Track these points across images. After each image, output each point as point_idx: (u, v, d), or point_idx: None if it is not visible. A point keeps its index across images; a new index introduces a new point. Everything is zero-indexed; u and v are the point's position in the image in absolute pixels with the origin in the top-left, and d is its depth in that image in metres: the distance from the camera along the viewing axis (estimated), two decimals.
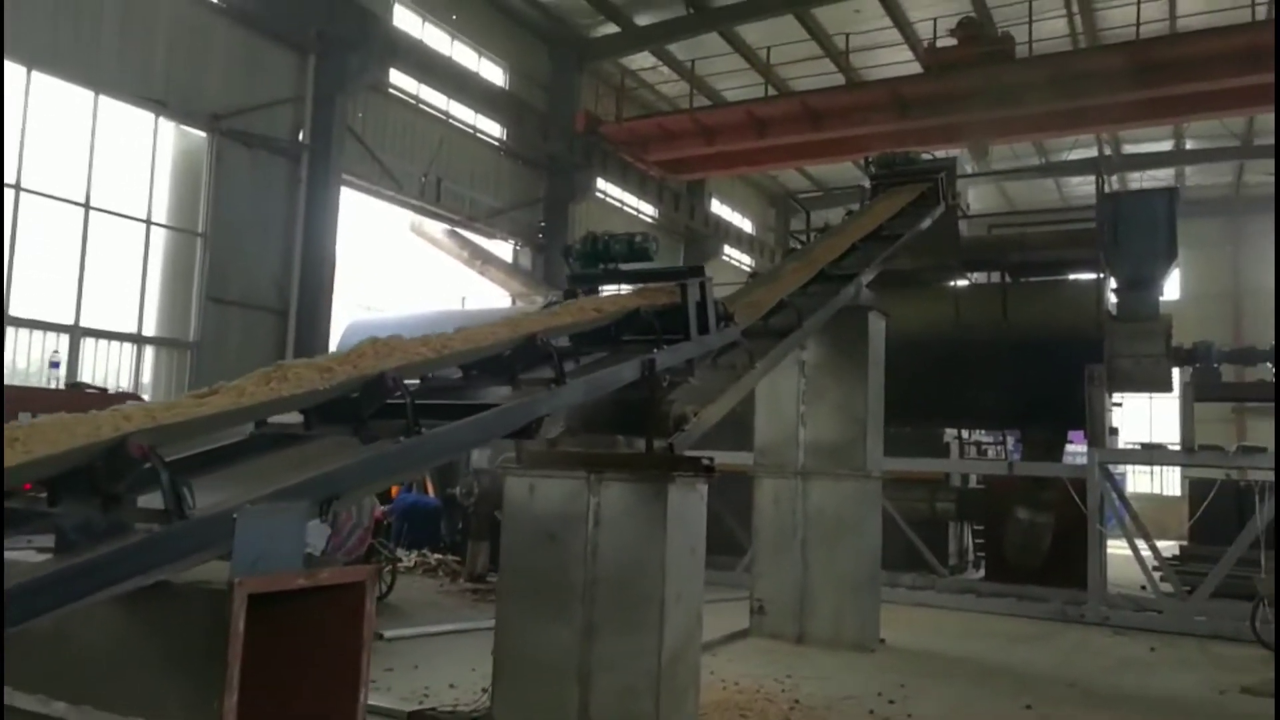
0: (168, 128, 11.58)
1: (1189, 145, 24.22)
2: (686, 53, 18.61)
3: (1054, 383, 11.33)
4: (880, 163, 11.60)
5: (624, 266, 5.86)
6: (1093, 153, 22.09)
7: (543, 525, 5.28)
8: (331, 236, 12.70)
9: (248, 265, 12.02)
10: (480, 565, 11.48)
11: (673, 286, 5.61)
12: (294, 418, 3.73)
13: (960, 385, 12.00)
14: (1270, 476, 11.01)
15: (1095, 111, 15.34)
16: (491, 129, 17.08)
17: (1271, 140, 23.22)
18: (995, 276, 12.67)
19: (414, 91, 15.17)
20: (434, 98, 15.49)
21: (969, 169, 22.24)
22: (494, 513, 11.64)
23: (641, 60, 19.49)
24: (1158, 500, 24.13)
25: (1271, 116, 21.25)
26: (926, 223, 10.48)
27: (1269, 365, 11.39)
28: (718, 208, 24.75)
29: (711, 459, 5.38)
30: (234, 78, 11.87)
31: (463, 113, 16.20)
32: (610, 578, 5.09)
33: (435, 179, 15.43)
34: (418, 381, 4.53)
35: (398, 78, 14.84)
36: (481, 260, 17.12)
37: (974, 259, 12.38)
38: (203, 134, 11.55)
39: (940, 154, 12.75)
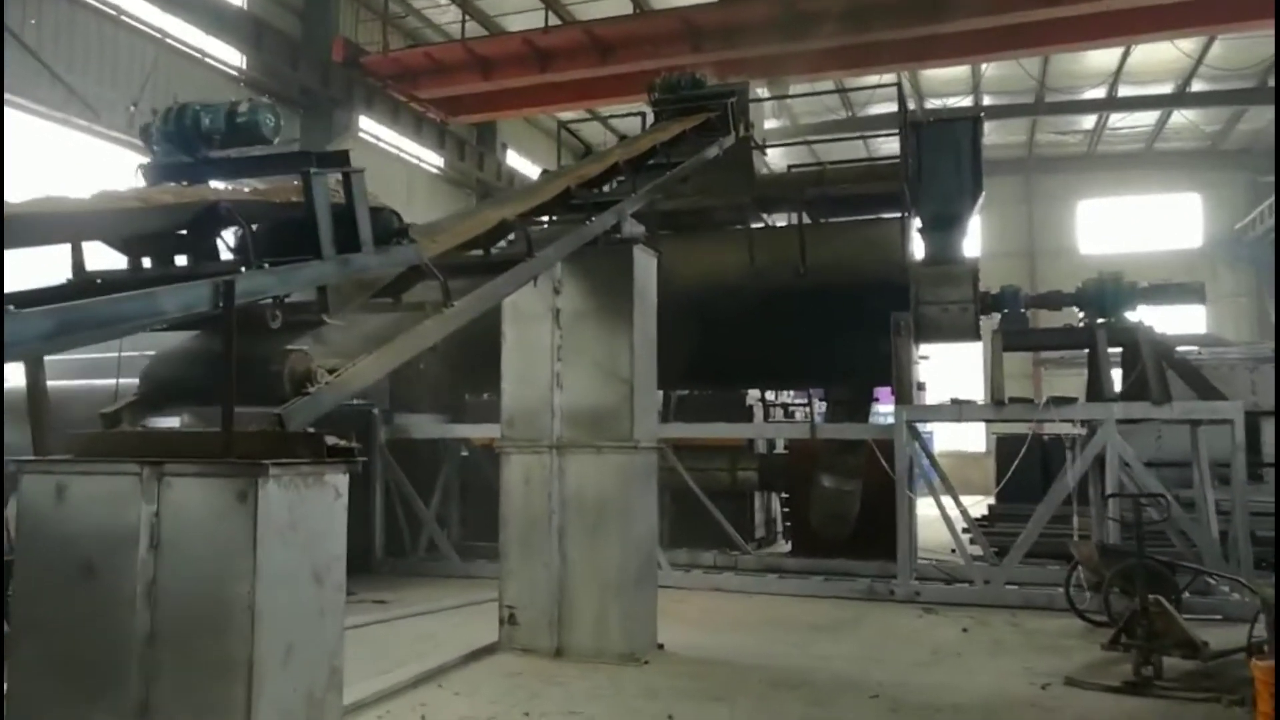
0: None
1: (986, 100, 24.11)
2: None
3: (858, 335, 10.15)
4: (664, 87, 10.03)
5: (232, 154, 3.95)
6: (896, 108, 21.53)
7: (76, 550, 3.35)
8: None
9: None
10: None
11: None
12: None
13: (757, 340, 10.65)
14: (1081, 431, 10.32)
15: (892, 47, 14.37)
16: (228, 56, 14.46)
17: (1064, 96, 23.45)
18: (797, 219, 11.37)
19: (114, 0, 12.44)
20: (143, 10, 12.78)
21: (767, 124, 21.23)
22: None
23: None
24: (961, 457, 24.15)
25: (1060, 64, 21.40)
26: (713, 152, 8.97)
27: (1075, 310, 10.59)
28: (515, 160, 22.77)
29: (350, 438, 3.58)
30: None
31: (187, 32, 13.54)
32: (178, 630, 3.22)
33: (149, 110, 12.73)
34: None
35: None
36: None
37: (769, 196, 11.03)
38: None
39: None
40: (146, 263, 3.78)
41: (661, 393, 12.58)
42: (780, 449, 13.14)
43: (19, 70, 10.93)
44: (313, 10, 15.62)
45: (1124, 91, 22.88)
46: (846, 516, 10.86)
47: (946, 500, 9.75)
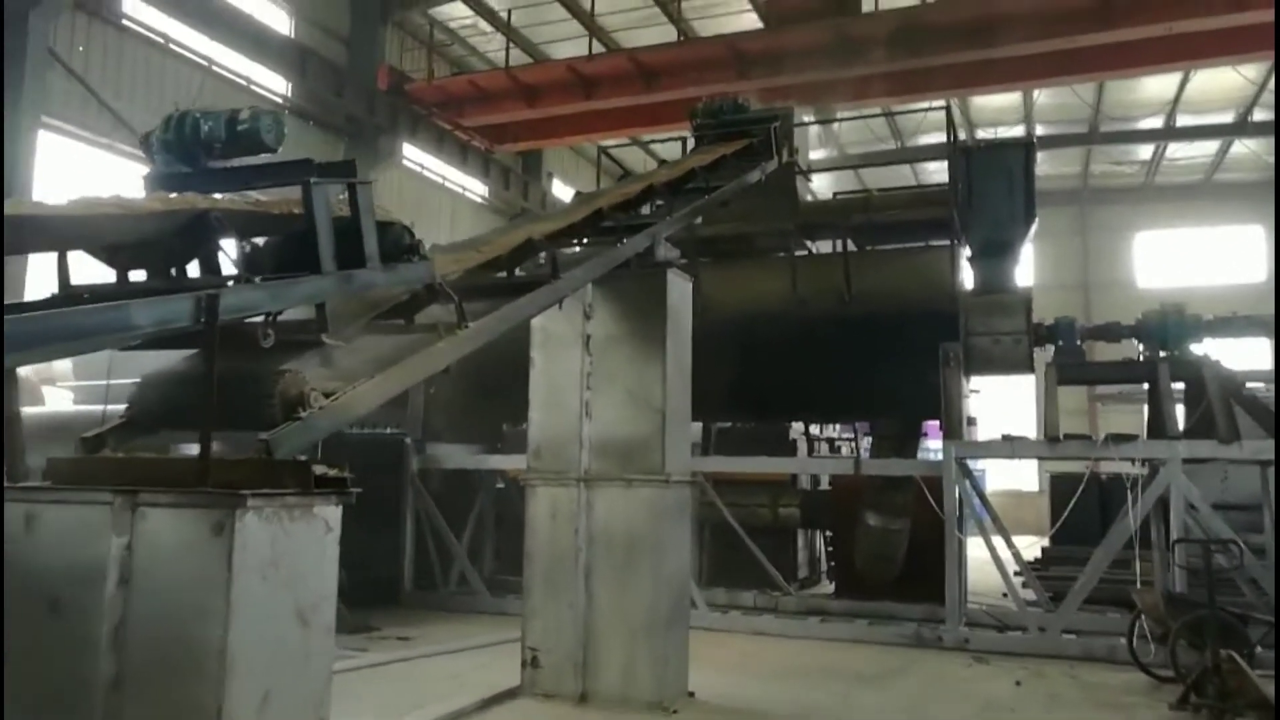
0: None
1: (1039, 131, 23.57)
2: (505, 3, 16.48)
3: (905, 366, 9.74)
4: (705, 112, 9.80)
5: (235, 164, 3.74)
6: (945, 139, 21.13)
7: (43, 584, 3.09)
8: (24, 194, 10.04)
9: None
10: None
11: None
12: None
13: (800, 372, 10.28)
14: (1142, 470, 9.76)
15: (943, 73, 14.00)
16: (273, 83, 14.55)
17: (1121, 125, 22.83)
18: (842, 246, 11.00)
19: (162, 28, 12.55)
20: (190, 38, 12.90)
21: (814, 154, 20.94)
22: None
23: (456, 11, 17.21)
24: (1014, 496, 23.36)
25: (1116, 93, 20.81)
26: (754, 176, 8.69)
27: (1135, 342, 10.08)
28: (560, 189, 22.69)
29: (343, 468, 3.31)
30: None
31: (234, 61, 13.64)
32: (146, 674, 2.96)
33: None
34: None
35: (139, 9, 12.21)
36: None
37: (813, 223, 10.69)
38: None
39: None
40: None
41: (701, 425, 12.29)
42: (826, 485, 12.72)
43: (66, 96, 11.03)
44: (359, 38, 15.70)
45: (1182, 121, 22.22)
46: (893, 557, 10.39)
47: (998, 541, 9.26)
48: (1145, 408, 11.00)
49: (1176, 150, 24.88)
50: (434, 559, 11.01)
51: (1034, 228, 10.10)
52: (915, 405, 10.13)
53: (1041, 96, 21.04)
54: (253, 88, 14.08)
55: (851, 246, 10.66)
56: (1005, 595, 9.89)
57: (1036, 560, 12.29)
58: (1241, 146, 24.26)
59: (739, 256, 10.92)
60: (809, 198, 11.47)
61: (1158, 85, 20.10)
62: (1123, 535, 8.83)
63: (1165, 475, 8.51)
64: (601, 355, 6.76)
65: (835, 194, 12.06)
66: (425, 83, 15.83)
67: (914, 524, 10.13)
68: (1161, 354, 9.46)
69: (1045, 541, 13.09)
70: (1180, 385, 9.61)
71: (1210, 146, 24.49)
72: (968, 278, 10.13)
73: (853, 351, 9.90)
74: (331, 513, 3.25)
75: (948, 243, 10.08)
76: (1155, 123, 22.46)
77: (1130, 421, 19.97)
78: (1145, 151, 25.31)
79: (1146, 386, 10.13)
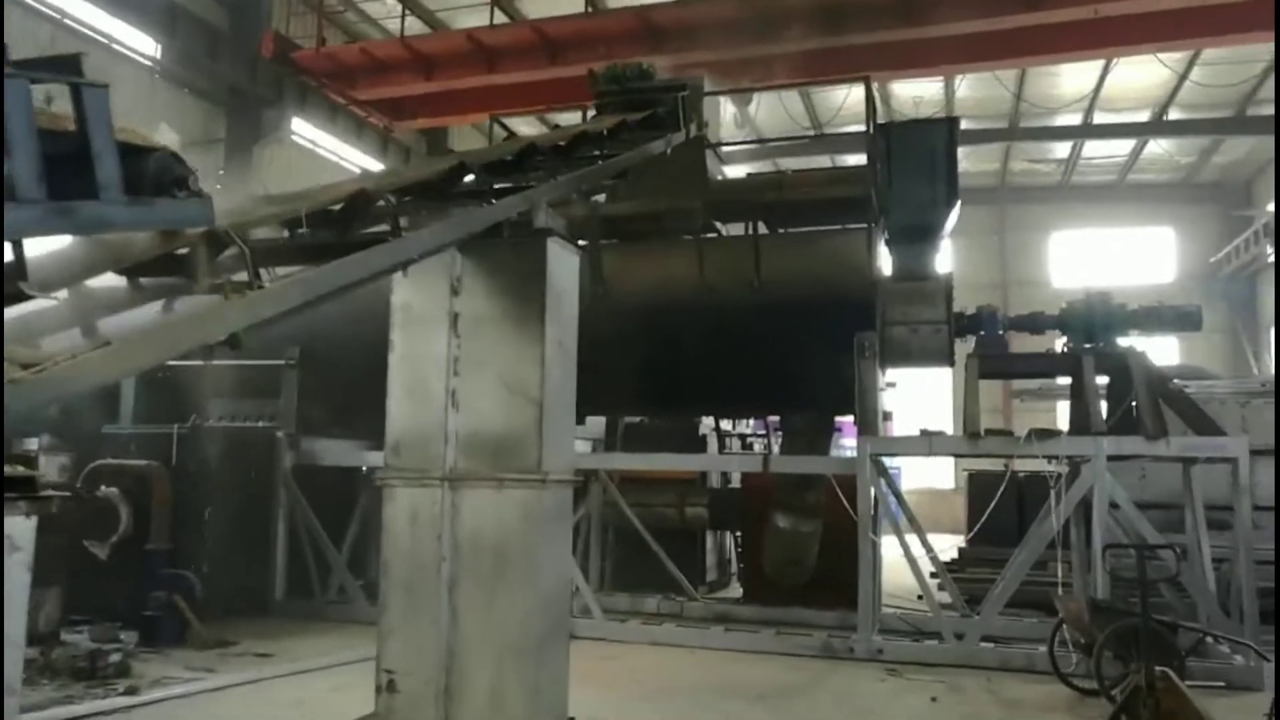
0: None
1: (963, 125, 23.32)
2: None
3: (818, 358, 9.08)
4: (608, 78, 8.99)
5: None
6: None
7: None
8: None
9: None
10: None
11: None
12: None
13: (708, 363, 9.54)
14: (1062, 468, 9.30)
15: (863, 52, 13.40)
16: (141, 44, 13.25)
17: (1041, 122, 22.70)
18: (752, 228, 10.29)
19: None
20: None
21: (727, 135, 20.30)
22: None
23: None
24: (930, 494, 23.11)
25: (1036, 88, 20.64)
26: (658, 147, 7.90)
27: (1059, 333, 9.61)
28: None
29: (34, 464, 2.40)
30: None
31: (91, 15, 12.31)
32: None
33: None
34: None
35: None
36: None
37: (724, 202, 9.93)
38: None
39: None
40: None
41: (605, 420, 11.55)
42: (738, 483, 12.08)
43: None
44: (242, 2, 14.48)
45: (1100, 118, 22.21)
46: (803, 561, 9.79)
47: (913, 540, 8.67)
48: (1061, 405, 10.57)
49: (1092, 149, 24.96)
50: (310, 564, 10.01)
51: (956, 212, 9.57)
52: (828, 399, 9.51)
53: (962, 88, 20.77)
54: (114, 47, 12.78)
55: (764, 229, 9.98)
56: (920, 597, 9.35)
57: (953, 561, 11.84)
58: (1155, 146, 24.43)
59: (645, 238, 10.13)
60: (720, 177, 10.74)
61: (1077, 79, 19.98)
62: (1045, 537, 8.33)
63: (1089, 473, 8.01)
64: (471, 337, 5.87)
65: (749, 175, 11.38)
66: (314, 50, 14.68)
67: (826, 525, 9.54)
68: (1086, 346, 8.99)
69: (962, 542, 12.68)
70: (1103, 380, 9.18)
71: (1124, 146, 24.60)
72: (886, 263, 9.55)
73: (763, 341, 9.20)
74: (20, 526, 2.35)
75: (865, 226, 9.45)
76: (1074, 118, 22.38)
77: (1046, 419, 19.81)
78: (1062, 150, 25.33)
79: (1068, 381, 9.71)
